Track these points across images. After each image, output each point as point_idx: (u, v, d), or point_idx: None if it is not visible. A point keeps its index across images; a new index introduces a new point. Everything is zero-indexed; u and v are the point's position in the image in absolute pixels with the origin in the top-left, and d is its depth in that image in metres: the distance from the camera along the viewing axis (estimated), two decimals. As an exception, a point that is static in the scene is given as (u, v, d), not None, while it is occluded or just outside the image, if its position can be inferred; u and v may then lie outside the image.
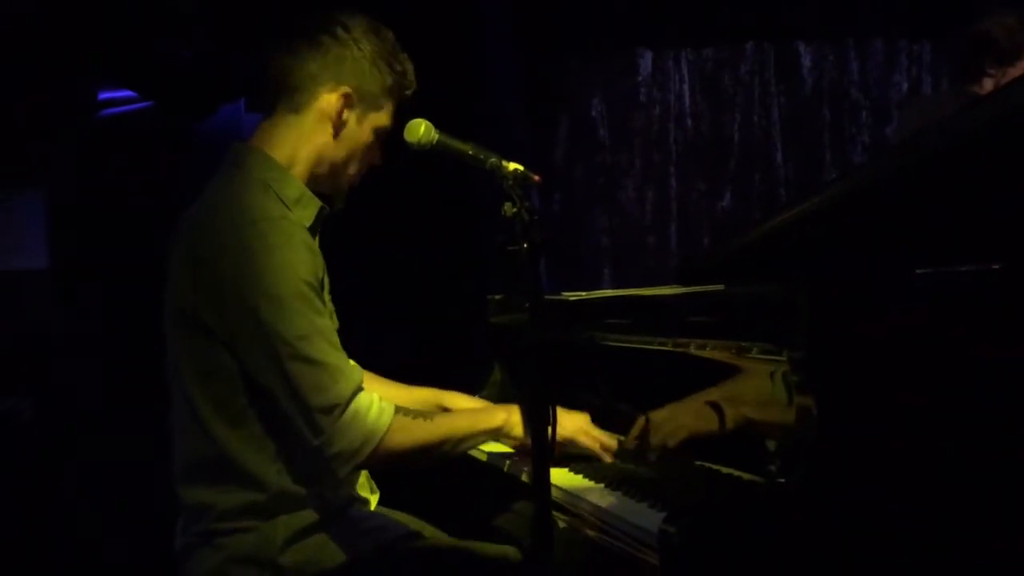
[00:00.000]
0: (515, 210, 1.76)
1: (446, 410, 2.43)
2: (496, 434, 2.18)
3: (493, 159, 1.88)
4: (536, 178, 1.88)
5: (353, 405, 1.94)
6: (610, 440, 2.24)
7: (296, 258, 1.95)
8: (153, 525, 2.46)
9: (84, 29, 4.18)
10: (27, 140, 4.28)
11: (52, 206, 4.31)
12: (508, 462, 2.35)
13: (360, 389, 1.97)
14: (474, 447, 2.22)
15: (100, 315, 4.29)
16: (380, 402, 1.99)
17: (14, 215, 4.28)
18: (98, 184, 4.40)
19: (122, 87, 4.77)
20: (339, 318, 2.27)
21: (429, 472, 2.24)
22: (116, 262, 4.27)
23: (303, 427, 1.94)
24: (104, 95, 4.71)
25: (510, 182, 1.83)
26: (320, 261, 2.06)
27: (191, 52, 4.47)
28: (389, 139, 2.20)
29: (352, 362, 2.36)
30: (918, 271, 1.93)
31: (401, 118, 2.02)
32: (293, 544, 2.02)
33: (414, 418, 2.04)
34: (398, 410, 2.01)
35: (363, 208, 2.38)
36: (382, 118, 2.16)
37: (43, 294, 4.27)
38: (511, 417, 2.16)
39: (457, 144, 1.93)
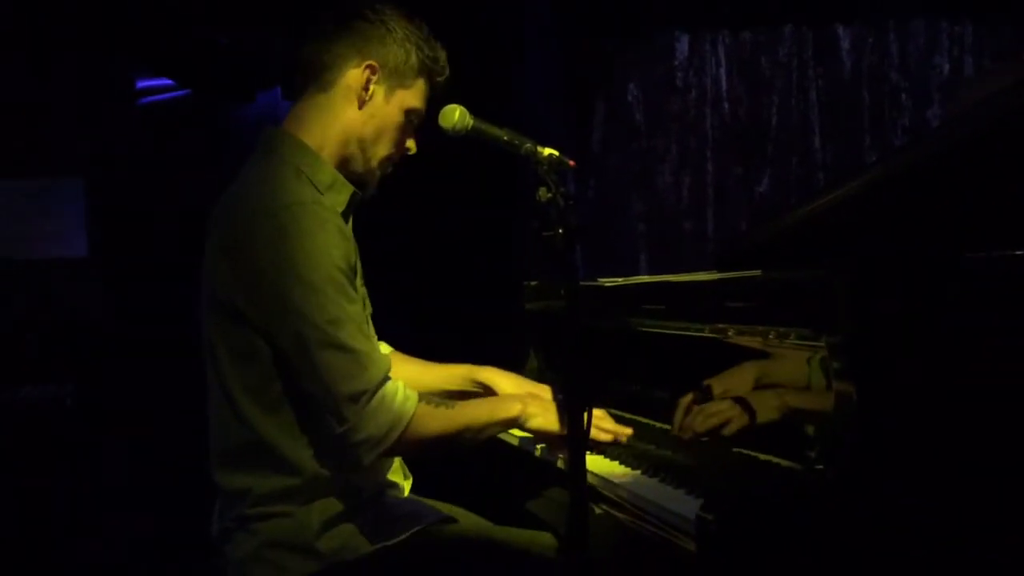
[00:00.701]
0: (550, 195, 1.76)
1: (481, 384, 2.43)
2: (512, 424, 2.17)
3: (528, 144, 1.88)
4: (571, 163, 1.88)
5: (380, 392, 1.94)
6: (623, 428, 2.23)
7: (329, 243, 1.94)
8: (192, 510, 2.48)
9: (121, 18, 4.21)
10: (66, 129, 4.32)
11: (91, 195, 4.35)
12: (540, 447, 2.35)
13: (387, 377, 1.97)
14: (493, 435, 2.21)
15: (139, 302, 4.33)
16: (405, 389, 2.00)
17: (54, 204, 4.33)
18: (137, 172, 4.44)
19: (160, 75, 4.80)
20: (374, 305, 2.28)
21: (462, 458, 2.25)
22: (154, 250, 4.31)
23: (328, 415, 1.94)
24: (142, 83, 4.74)
25: (545, 167, 1.83)
26: (353, 246, 2.06)
27: (227, 39, 4.49)
28: (422, 127, 2.19)
29: (383, 346, 2.37)
30: (960, 256, 1.90)
31: (437, 103, 2.02)
32: (329, 530, 2.03)
33: (436, 406, 2.05)
34: (421, 398, 2.02)
35: (399, 193, 2.38)
36: (411, 98, 2.15)
37: (83, 282, 4.32)
38: (526, 409, 2.16)
39: (492, 130, 1.93)
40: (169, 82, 4.87)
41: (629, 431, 2.23)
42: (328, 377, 1.92)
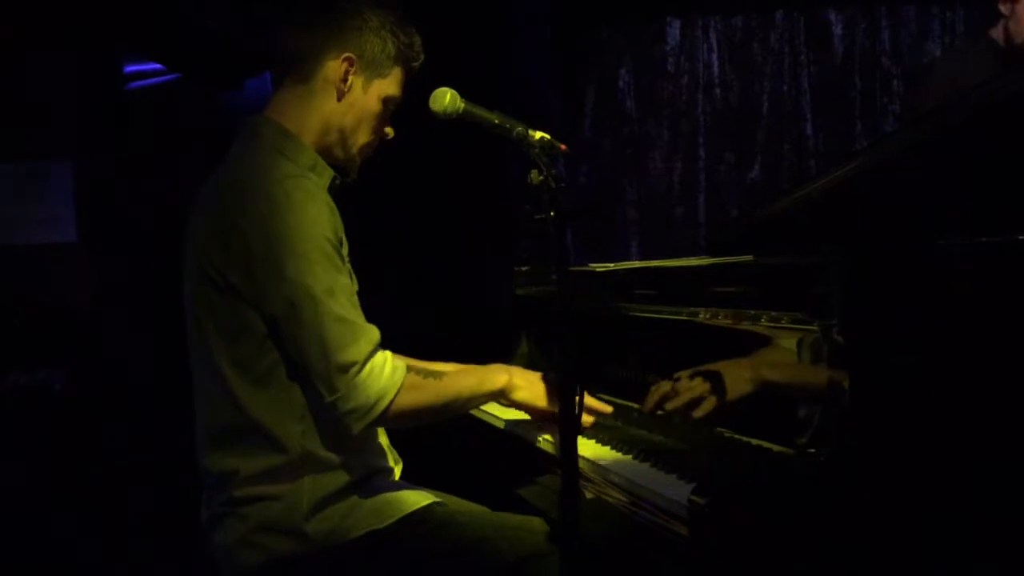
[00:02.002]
0: (541, 178, 1.76)
1: None
2: (498, 395, 2.22)
3: (519, 128, 1.90)
4: (563, 147, 1.89)
5: (370, 363, 1.96)
6: (604, 407, 2.29)
7: (319, 216, 1.98)
8: (184, 496, 2.48)
9: (111, 1, 4.19)
10: (55, 114, 4.30)
11: (80, 180, 4.33)
12: (523, 428, 2.36)
13: (378, 348, 2.00)
14: (478, 407, 2.28)
15: (128, 287, 4.32)
16: (393, 360, 2.02)
17: (43, 189, 4.31)
18: (125, 157, 4.42)
19: (149, 60, 4.78)
20: (364, 291, 2.27)
21: (454, 442, 2.24)
22: (143, 235, 4.29)
23: (319, 384, 1.96)
24: (131, 68, 4.72)
25: (536, 150, 1.85)
26: (340, 221, 2.08)
27: (218, 24, 4.47)
28: (409, 110, 2.21)
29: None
30: (953, 241, 1.90)
31: (423, 87, 2.01)
32: (318, 512, 2.04)
33: (425, 377, 2.08)
34: (410, 369, 2.04)
35: (391, 177, 2.39)
36: (388, 86, 2.18)
37: (72, 267, 4.30)
38: (512, 379, 2.22)
39: (483, 113, 1.95)
40: (158, 67, 4.85)
41: (609, 408, 2.29)
42: (321, 346, 1.93)
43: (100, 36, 4.33)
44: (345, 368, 1.94)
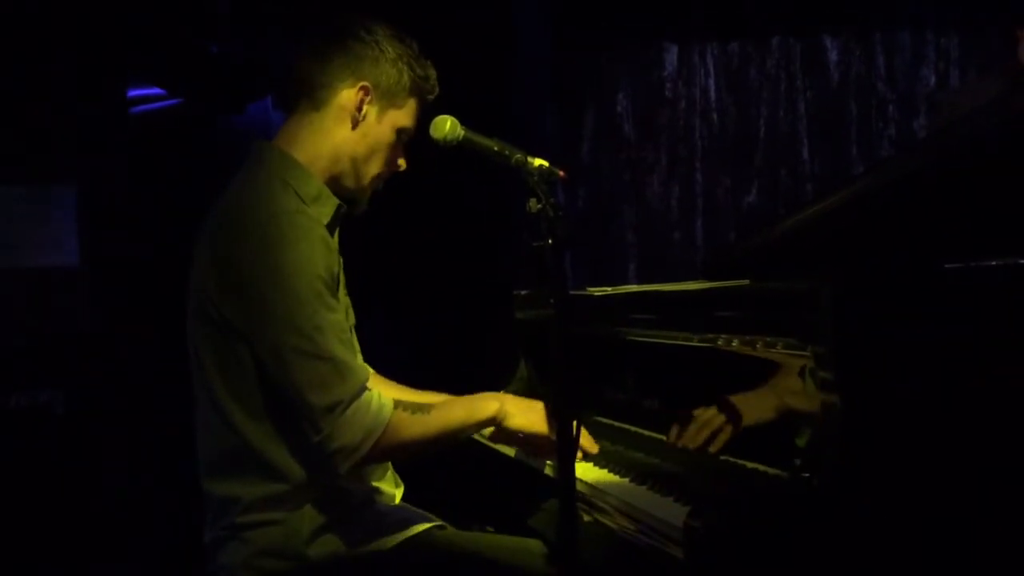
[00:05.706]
0: (540, 206, 1.78)
1: None
2: (489, 423, 2.18)
3: (518, 155, 1.89)
4: (561, 174, 1.89)
5: (355, 403, 1.95)
6: (591, 446, 2.27)
7: (312, 253, 1.96)
8: (183, 518, 2.49)
9: (115, 26, 4.23)
10: (58, 138, 4.32)
11: (83, 203, 4.35)
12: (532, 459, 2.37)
13: (364, 387, 1.98)
14: (470, 435, 2.23)
15: (130, 311, 4.33)
16: (380, 398, 2.01)
17: (45, 212, 4.32)
18: (129, 181, 4.44)
19: (152, 84, 4.81)
20: (363, 317, 2.29)
21: (453, 466, 2.24)
22: (146, 259, 4.31)
23: (305, 423, 1.96)
24: (134, 92, 4.75)
25: (535, 178, 1.84)
26: (336, 257, 2.09)
27: (219, 50, 4.51)
28: (413, 142, 2.21)
29: (360, 360, 2.39)
30: (944, 266, 1.92)
31: (428, 115, 2.03)
32: (319, 537, 2.05)
33: (412, 413, 2.06)
34: (396, 405, 2.02)
35: (392, 205, 2.40)
36: (403, 117, 2.18)
37: (75, 291, 4.31)
38: (504, 407, 2.17)
39: (483, 141, 1.94)
40: (161, 91, 4.88)
41: (596, 448, 2.28)
42: (305, 387, 1.93)
43: (104, 60, 4.35)
44: (331, 408, 1.93)
